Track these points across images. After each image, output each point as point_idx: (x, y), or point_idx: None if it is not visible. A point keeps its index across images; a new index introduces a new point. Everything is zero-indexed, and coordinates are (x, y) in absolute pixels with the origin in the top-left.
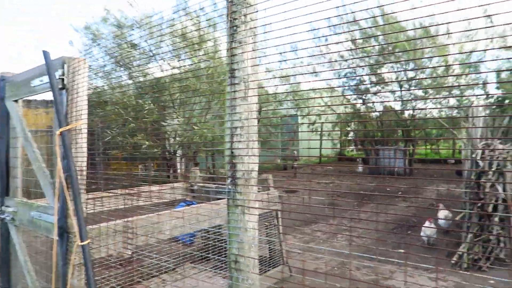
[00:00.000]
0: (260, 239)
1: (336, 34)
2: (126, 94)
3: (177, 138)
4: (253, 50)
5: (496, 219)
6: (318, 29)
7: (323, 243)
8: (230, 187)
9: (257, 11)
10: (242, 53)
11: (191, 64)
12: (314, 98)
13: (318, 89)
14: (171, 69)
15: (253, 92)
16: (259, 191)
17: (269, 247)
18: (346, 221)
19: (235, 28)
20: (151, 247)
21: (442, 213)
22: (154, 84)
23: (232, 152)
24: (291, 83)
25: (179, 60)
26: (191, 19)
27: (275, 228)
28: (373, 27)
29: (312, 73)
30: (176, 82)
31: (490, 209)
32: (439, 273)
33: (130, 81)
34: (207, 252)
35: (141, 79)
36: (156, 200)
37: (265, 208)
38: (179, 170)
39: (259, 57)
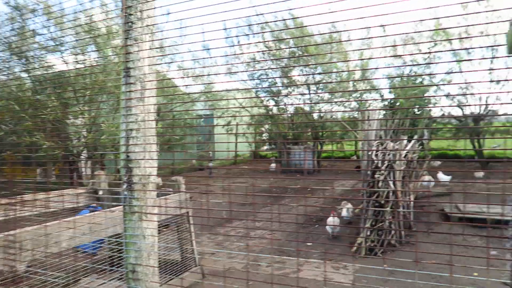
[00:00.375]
0: (171, 244)
1: (246, 35)
2: (21, 87)
3: (82, 140)
4: (150, 49)
5: (388, 209)
6: (229, 28)
7: (237, 242)
8: (126, 193)
9: (154, 8)
10: (138, 51)
11: (98, 58)
12: (229, 99)
13: (233, 90)
14: (74, 62)
15: (150, 92)
16: (167, 195)
17: (182, 251)
18: (259, 219)
19: (130, 24)
20: (45, 261)
21: (345, 207)
22: (56, 79)
23: (128, 156)
24: (205, 83)
25: (83, 53)
26: (97, 7)
27: (187, 230)
28: (282, 30)
29: (226, 73)
30: (80, 77)
31: (383, 201)
32: (342, 262)
33: (26, 74)
34: (111, 262)
35: (40, 72)
36: (55, 208)
37: (164, 214)
38: (84, 174)
39: (170, 54)
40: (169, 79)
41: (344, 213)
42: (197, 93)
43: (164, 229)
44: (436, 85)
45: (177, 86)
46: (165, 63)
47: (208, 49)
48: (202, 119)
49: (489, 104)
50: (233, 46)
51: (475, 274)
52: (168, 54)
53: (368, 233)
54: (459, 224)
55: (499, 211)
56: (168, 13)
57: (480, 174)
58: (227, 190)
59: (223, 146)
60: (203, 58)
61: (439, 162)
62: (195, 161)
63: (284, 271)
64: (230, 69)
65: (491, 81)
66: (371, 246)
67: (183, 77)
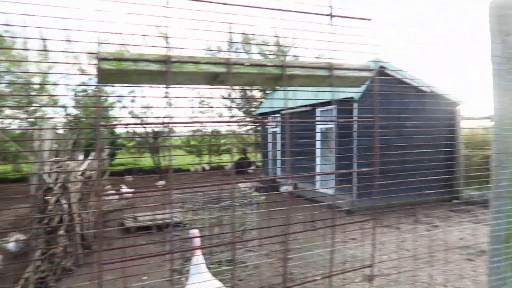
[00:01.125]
0: None
1: None
2: None
3: None
4: None
5: (62, 231)
6: None
7: None
8: None
9: None
10: None
11: None
12: None
13: None
14: None
15: None
16: None
17: None
18: None
19: None
20: None
21: (13, 237)
22: None
23: None
24: None
25: None
26: None
27: None
28: None
29: None
30: None
31: (55, 222)
32: None
33: None
34: None
35: None
36: None
37: None
38: None
39: None
40: None
41: (10, 246)
42: None
43: None
44: (124, 106)
45: None
46: None
47: None
48: None
49: (167, 123)
50: None
51: (144, 278)
52: None
53: (39, 263)
54: (140, 233)
55: (169, 216)
56: None
57: (162, 182)
58: None
59: None
60: None
61: (130, 178)
62: None
63: None
64: None
65: (166, 106)
66: (43, 277)
67: None
